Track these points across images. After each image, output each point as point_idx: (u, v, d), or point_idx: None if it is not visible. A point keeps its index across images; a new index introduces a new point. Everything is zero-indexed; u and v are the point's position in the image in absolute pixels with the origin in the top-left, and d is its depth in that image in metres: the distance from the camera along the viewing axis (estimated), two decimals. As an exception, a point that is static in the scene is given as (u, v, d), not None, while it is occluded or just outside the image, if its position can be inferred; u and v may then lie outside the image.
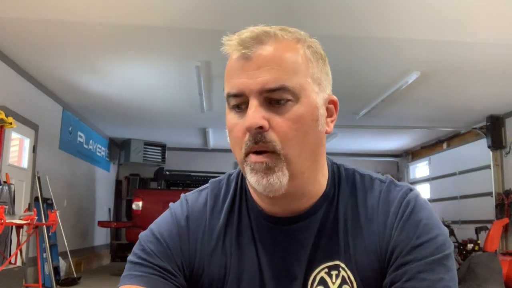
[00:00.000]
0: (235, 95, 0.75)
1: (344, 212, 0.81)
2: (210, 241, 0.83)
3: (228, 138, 0.80)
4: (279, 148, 0.72)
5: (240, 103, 0.75)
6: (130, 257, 0.82)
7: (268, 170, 0.73)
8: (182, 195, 0.91)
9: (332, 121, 0.81)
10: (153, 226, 0.85)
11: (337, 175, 0.85)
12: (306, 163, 0.76)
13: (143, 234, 0.84)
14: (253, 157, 0.73)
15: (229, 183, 0.89)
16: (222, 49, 0.79)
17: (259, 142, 0.72)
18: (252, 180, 0.74)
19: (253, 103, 0.72)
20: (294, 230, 0.81)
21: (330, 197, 0.83)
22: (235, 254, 0.82)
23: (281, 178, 0.73)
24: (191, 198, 0.89)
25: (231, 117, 0.77)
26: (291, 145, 0.73)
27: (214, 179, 0.91)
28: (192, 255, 0.82)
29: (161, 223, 0.85)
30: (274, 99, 0.73)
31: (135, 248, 0.83)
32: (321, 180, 0.82)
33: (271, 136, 0.72)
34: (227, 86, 0.77)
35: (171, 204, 0.89)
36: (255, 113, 0.72)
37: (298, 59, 0.75)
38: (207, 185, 0.91)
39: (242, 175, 0.88)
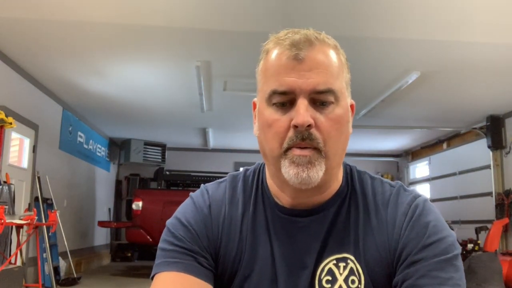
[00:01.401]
0: (283, 93, 0.79)
1: (355, 209, 0.86)
2: (229, 228, 0.88)
3: (259, 130, 0.85)
4: (322, 145, 0.78)
5: (285, 100, 0.79)
6: (162, 245, 0.85)
7: (309, 164, 0.78)
8: (202, 185, 0.95)
9: (351, 123, 0.87)
10: (178, 214, 0.89)
11: (350, 175, 0.91)
12: (338, 160, 0.83)
13: (170, 223, 0.88)
14: (297, 151, 0.78)
15: (246, 177, 0.94)
16: (269, 44, 0.84)
17: (306, 139, 0.77)
18: (291, 172, 0.78)
19: (304, 102, 0.77)
20: (307, 222, 0.85)
21: (344, 195, 0.88)
22: (250, 242, 0.86)
23: (319, 172, 0.78)
24: (211, 188, 0.94)
25: (271, 113, 0.81)
26: (331, 143, 0.79)
27: (232, 173, 0.97)
28: (215, 241, 0.87)
29: (185, 211, 0.89)
30: (320, 100, 0.78)
31: (165, 236, 0.86)
32: (339, 178, 0.88)
33: (316, 134, 0.78)
34: (272, 82, 0.80)
35: (191, 193, 0.94)
36: (306, 112, 0.76)
37: (339, 64, 0.82)
38: (225, 177, 0.96)
39: (259, 170, 0.94)
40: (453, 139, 8.61)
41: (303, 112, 0.76)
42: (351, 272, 0.81)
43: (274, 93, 0.79)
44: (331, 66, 0.80)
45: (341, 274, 0.82)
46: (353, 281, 0.81)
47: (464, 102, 6.46)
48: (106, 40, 4.61)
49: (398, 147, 10.19)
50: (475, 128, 7.59)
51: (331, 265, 0.82)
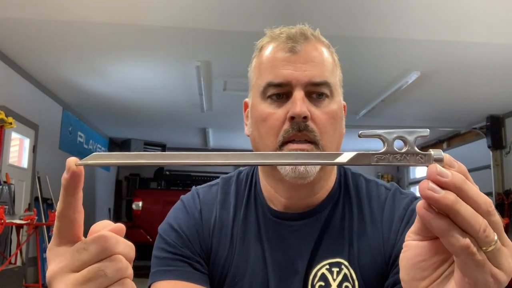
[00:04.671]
0: (279, 85, 0.77)
1: (349, 213, 0.84)
2: (220, 233, 0.86)
3: (252, 128, 0.83)
4: (318, 138, 0.76)
5: (280, 92, 0.78)
6: (156, 252, 0.84)
7: None
8: (194, 188, 0.93)
9: (344, 123, 0.87)
10: (170, 220, 0.87)
11: (344, 178, 0.88)
12: None
13: (162, 228, 0.86)
14: (295, 145, 0.75)
15: (239, 180, 0.92)
16: (263, 41, 0.83)
17: (303, 130, 0.75)
18: (287, 166, 0.75)
19: (300, 94, 0.76)
20: (299, 226, 0.83)
21: (336, 198, 0.85)
22: (240, 246, 0.84)
23: (316, 166, 0.76)
24: (202, 192, 0.91)
25: (266, 106, 0.79)
26: (327, 137, 0.78)
27: (225, 176, 0.94)
28: (207, 246, 0.85)
29: (176, 216, 0.87)
30: (316, 92, 0.77)
31: (158, 243, 0.85)
32: (332, 178, 0.86)
33: (313, 126, 0.76)
34: (268, 75, 0.79)
35: (182, 197, 0.91)
36: (303, 103, 0.75)
37: (333, 62, 0.82)
38: (217, 180, 0.93)
39: (253, 173, 0.91)
40: (453, 139, 8.61)
41: (300, 103, 0.74)
42: (345, 278, 0.79)
43: (270, 85, 0.78)
44: (326, 61, 0.80)
45: (334, 280, 0.79)
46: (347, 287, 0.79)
47: (464, 102, 6.46)
48: (106, 40, 4.61)
49: (398, 147, 10.18)
50: (475, 128, 7.59)
51: (324, 270, 0.80)
